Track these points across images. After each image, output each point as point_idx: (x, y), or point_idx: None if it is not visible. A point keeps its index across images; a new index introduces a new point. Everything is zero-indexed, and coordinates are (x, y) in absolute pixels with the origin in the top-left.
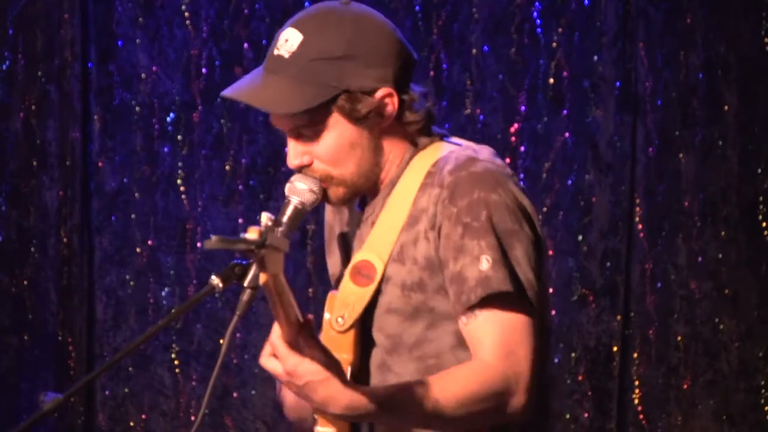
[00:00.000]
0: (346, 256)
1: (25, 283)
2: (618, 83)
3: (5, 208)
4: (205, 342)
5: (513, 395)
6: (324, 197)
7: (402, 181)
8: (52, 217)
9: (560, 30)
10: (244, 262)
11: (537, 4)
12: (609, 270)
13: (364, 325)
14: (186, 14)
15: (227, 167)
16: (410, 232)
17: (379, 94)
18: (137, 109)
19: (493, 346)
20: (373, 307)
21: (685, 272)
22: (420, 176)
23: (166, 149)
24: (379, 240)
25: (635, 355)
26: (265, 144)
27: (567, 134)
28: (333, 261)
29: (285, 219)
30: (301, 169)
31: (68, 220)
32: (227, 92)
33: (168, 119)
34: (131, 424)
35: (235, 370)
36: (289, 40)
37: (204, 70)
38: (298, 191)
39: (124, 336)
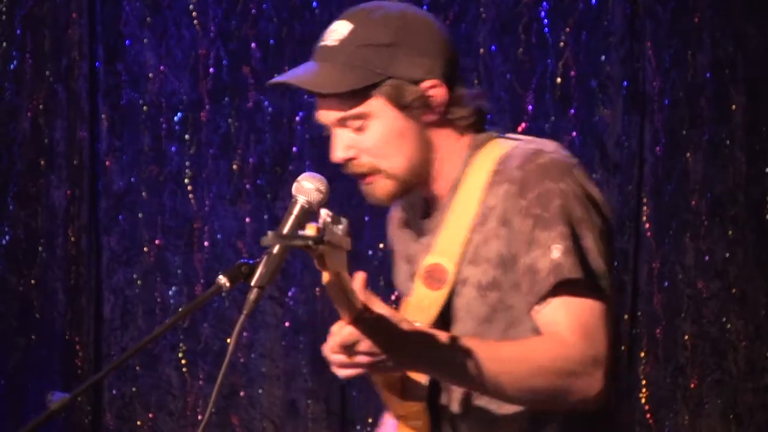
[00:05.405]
0: (413, 268)
1: (33, 282)
2: (625, 83)
3: (13, 208)
4: (212, 341)
5: (589, 376)
6: (370, 194)
7: (466, 181)
8: (59, 217)
9: (568, 30)
10: (251, 262)
11: (544, 3)
12: (616, 269)
13: (438, 329)
14: (193, 14)
15: (235, 167)
16: (481, 232)
17: (426, 84)
18: (145, 108)
19: (570, 327)
20: (448, 310)
21: (693, 272)
22: (484, 175)
23: (173, 149)
24: (448, 242)
25: (642, 354)
26: (273, 143)
27: (574, 134)
28: (401, 279)
29: (291, 218)
30: (346, 164)
31: (76, 219)
32: (275, 79)
33: (175, 119)
34: (138, 423)
35: (242, 369)
36: (337, 30)
37: (211, 70)
38: (305, 190)
39: (131, 335)
